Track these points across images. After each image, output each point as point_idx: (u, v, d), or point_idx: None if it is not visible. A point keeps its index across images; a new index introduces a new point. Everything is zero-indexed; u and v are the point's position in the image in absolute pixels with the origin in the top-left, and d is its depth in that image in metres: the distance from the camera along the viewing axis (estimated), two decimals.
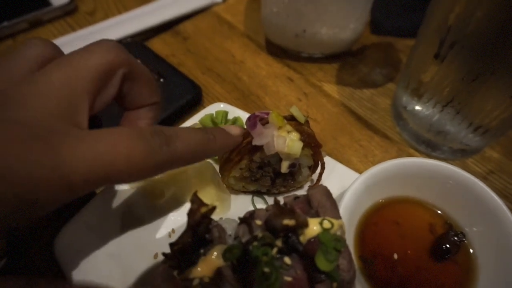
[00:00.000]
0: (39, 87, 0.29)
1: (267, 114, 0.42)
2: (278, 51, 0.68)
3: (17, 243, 0.43)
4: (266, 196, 0.47)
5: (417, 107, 0.53)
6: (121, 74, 0.34)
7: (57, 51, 0.34)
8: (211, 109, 0.53)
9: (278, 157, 0.41)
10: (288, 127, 0.41)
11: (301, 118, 0.42)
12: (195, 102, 0.59)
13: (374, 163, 0.52)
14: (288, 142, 0.39)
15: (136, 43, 0.66)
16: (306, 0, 0.56)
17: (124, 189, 0.45)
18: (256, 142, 0.39)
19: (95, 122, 0.39)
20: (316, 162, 0.44)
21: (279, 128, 0.40)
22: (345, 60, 0.68)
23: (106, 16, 0.75)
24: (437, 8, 0.46)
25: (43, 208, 0.28)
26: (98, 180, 0.28)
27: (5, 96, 0.28)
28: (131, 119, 0.38)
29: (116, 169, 0.28)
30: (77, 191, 0.28)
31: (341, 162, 0.49)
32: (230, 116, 0.51)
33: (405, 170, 0.42)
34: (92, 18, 0.75)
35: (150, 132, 0.31)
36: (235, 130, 0.40)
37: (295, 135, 0.40)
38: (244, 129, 0.42)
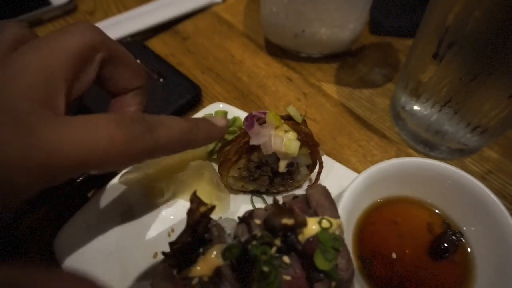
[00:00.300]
0: (14, 69, 0.28)
1: (264, 113, 0.42)
2: (278, 51, 0.68)
3: (17, 243, 0.43)
4: (265, 196, 0.47)
5: (416, 107, 0.53)
6: (99, 58, 0.34)
7: (32, 34, 0.33)
8: (211, 109, 0.53)
9: (276, 157, 0.42)
10: (285, 127, 0.41)
11: (298, 118, 0.42)
12: (195, 102, 0.59)
13: (373, 163, 0.52)
14: (285, 141, 0.39)
15: (136, 43, 0.66)
16: (304, 4, 0.56)
17: (124, 188, 0.45)
18: (253, 141, 0.40)
19: (82, 112, 0.38)
20: (314, 161, 0.44)
21: (276, 127, 0.40)
22: (344, 60, 0.68)
23: (106, 15, 0.75)
24: (435, 8, 0.46)
25: (21, 192, 0.27)
26: (76, 166, 0.27)
27: None
28: (118, 106, 0.38)
29: (95, 156, 0.27)
30: (55, 176, 0.27)
31: (340, 162, 0.49)
32: (229, 116, 0.52)
33: (403, 170, 0.42)
34: (92, 17, 0.75)
35: (131, 118, 0.30)
36: (220, 121, 0.39)
37: (292, 135, 0.40)
38: (241, 128, 0.42)
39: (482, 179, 0.53)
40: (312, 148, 0.42)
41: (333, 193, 0.36)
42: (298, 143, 0.39)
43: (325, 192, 0.35)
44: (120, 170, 0.46)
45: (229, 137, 0.47)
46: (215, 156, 0.48)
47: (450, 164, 0.42)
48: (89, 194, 0.47)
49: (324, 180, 0.46)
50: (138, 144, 0.29)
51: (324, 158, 0.46)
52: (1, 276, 0.21)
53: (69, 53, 0.31)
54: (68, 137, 0.27)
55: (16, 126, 0.26)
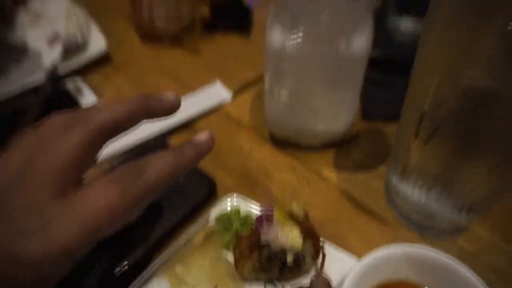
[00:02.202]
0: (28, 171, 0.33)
1: (271, 208, 0.49)
2: (281, 142, 0.76)
3: None
4: (277, 282, 0.52)
5: (406, 190, 0.57)
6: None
7: None
8: (225, 202, 0.60)
9: (283, 250, 0.48)
10: (290, 222, 0.48)
11: (299, 215, 0.49)
12: (210, 196, 0.65)
13: (372, 246, 0.56)
14: (290, 237, 0.46)
15: (161, 137, 0.74)
16: (301, 104, 0.66)
17: None
18: (263, 238, 0.46)
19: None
20: (317, 250, 0.50)
21: (282, 223, 0.47)
22: (341, 147, 0.75)
23: None
24: (412, 96, 0.50)
25: (50, 281, 0.31)
26: (90, 236, 0.31)
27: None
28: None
29: (99, 219, 0.30)
30: (78, 254, 0.31)
31: (341, 246, 0.53)
32: (242, 212, 0.58)
33: (396, 257, 0.46)
34: None
35: (120, 171, 0.33)
36: (203, 137, 0.40)
37: (295, 231, 0.46)
38: (253, 224, 0.49)
39: (476, 256, 0.56)
40: (314, 241, 0.48)
41: (336, 279, 0.41)
42: (301, 239, 0.46)
43: (327, 284, 0.41)
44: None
45: (242, 231, 0.53)
46: (230, 248, 0.54)
47: (445, 243, 0.45)
48: None
49: (327, 265, 0.51)
50: (130, 193, 0.32)
51: (326, 246, 0.51)
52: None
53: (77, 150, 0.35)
54: (74, 215, 0.30)
55: (34, 221, 0.29)
